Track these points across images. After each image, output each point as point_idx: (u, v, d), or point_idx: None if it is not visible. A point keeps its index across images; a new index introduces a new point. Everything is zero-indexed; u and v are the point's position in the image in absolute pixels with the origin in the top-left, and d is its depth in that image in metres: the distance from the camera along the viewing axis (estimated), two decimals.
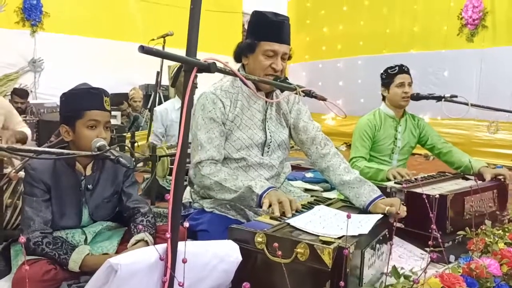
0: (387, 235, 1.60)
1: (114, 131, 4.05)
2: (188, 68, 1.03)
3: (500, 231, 1.66)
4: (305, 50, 8.07)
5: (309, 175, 3.32)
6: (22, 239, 0.79)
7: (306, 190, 2.95)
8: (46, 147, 2.33)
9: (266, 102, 1.91)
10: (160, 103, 4.84)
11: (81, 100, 1.57)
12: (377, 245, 1.49)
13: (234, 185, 1.71)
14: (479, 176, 2.35)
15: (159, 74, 4.77)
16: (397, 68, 2.76)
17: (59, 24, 6.38)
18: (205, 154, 1.78)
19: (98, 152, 1.46)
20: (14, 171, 1.89)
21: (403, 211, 1.64)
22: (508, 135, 5.55)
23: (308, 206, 1.69)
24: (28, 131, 2.61)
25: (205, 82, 2.08)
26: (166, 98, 5.33)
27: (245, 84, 1.33)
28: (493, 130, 5.68)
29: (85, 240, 1.58)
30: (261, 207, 1.65)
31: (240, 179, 1.74)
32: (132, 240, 1.53)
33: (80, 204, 1.62)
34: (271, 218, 1.51)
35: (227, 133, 1.86)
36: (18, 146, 1.85)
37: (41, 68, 6.30)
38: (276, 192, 1.65)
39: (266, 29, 1.80)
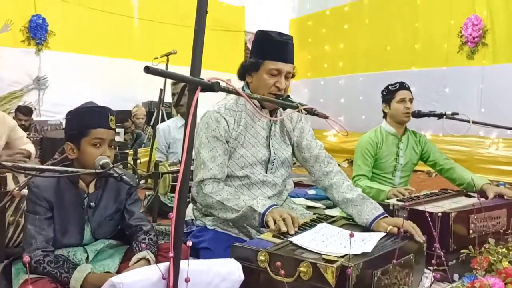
0: (413, 259, 1.52)
1: (117, 148, 4.07)
2: (192, 88, 1.05)
3: (504, 250, 1.65)
4: (307, 67, 8.14)
5: (311, 192, 3.31)
6: (27, 258, 0.79)
7: (309, 207, 2.95)
8: (50, 165, 2.35)
9: (270, 119, 1.92)
10: (162, 120, 4.88)
11: (86, 118, 1.59)
12: (398, 269, 1.43)
13: (236, 204, 1.72)
14: (482, 193, 2.35)
15: (162, 91, 4.82)
16: (398, 84, 2.79)
17: (64, 42, 6.47)
18: (208, 172, 1.79)
19: (102, 170, 1.47)
20: (17, 188, 1.90)
21: (409, 224, 1.62)
22: (510, 152, 5.54)
23: (311, 224, 1.69)
24: (31, 148, 2.62)
25: (210, 100, 2.10)
26: (169, 115, 5.37)
27: (249, 102, 1.34)
28: (495, 147, 5.67)
29: (87, 258, 1.58)
30: (263, 226, 1.65)
31: (242, 198, 1.74)
32: (134, 259, 1.53)
33: (83, 221, 1.62)
34: (274, 236, 1.51)
35: (231, 151, 1.86)
36: (22, 164, 1.87)
37: (45, 86, 6.37)
38: (278, 209, 1.66)
39: (271, 48, 1.83)
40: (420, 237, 1.60)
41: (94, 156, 1.55)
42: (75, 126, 1.60)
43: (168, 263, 1.04)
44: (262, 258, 1.31)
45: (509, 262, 1.53)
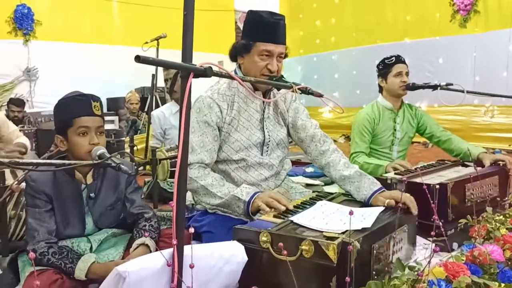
0: (406, 230, 1.58)
1: (113, 135, 4.06)
2: (185, 74, 1.04)
3: (502, 217, 1.68)
4: (299, 44, 8.07)
5: (309, 170, 3.34)
6: (32, 255, 0.80)
7: (307, 185, 2.97)
8: (46, 158, 2.34)
9: (263, 101, 1.91)
10: (156, 105, 4.85)
11: (69, 108, 1.57)
12: (393, 240, 1.48)
13: (219, 191, 1.73)
14: (479, 162, 2.37)
15: (154, 76, 4.77)
16: (394, 58, 2.77)
17: (52, 31, 6.37)
18: (196, 157, 1.79)
19: (99, 161, 1.46)
20: (16, 183, 1.90)
21: (407, 197, 1.64)
22: (505, 119, 5.57)
23: (311, 202, 1.70)
24: (26, 140, 2.60)
25: (203, 84, 2.08)
26: (163, 100, 5.33)
27: (243, 85, 1.34)
28: (490, 114, 5.69)
29: (91, 248, 1.59)
30: (248, 214, 1.66)
31: (226, 186, 1.75)
32: (134, 245, 1.55)
33: (83, 213, 1.63)
34: (275, 216, 1.53)
35: (225, 136, 1.86)
36: (19, 159, 1.86)
37: (36, 77, 6.30)
38: (264, 193, 1.68)
39: (262, 29, 1.80)
40: (415, 209, 1.63)
41: (82, 146, 1.55)
42: (60, 118, 1.60)
43: (171, 249, 1.06)
44: (264, 238, 1.32)
45: (506, 229, 1.56)
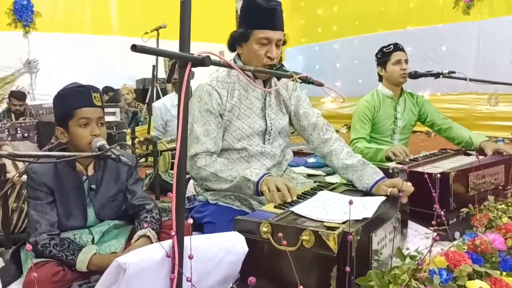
0: (399, 218, 1.60)
1: (114, 127, 4.05)
2: (183, 64, 1.02)
3: (504, 206, 1.67)
4: (301, 33, 8.01)
5: (311, 160, 3.32)
6: (29, 247, 0.80)
7: (309, 175, 2.96)
8: (47, 149, 2.34)
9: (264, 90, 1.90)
10: (157, 96, 4.84)
11: (69, 100, 1.56)
12: (388, 229, 1.49)
13: (229, 175, 1.73)
14: (481, 151, 2.35)
15: (154, 68, 4.76)
16: (392, 46, 2.75)
17: (52, 23, 6.35)
18: (201, 146, 1.78)
19: (99, 152, 1.46)
20: (17, 175, 1.90)
21: (407, 187, 1.64)
22: (508, 107, 5.53)
23: (311, 192, 1.70)
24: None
25: (203, 73, 2.07)
26: (164, 91, 5.33)
27: (243, 75, 1.32)
28: (493, 102, 5.65)
29: (93, 240, 1.60)
30: (258, 194, 1.66)
31: (235, 168, 1.75)
32: (135, 237, 1.55)
33: (85, 204, 1.63)
34: (275, 207, 1.52)
35: (227, 124, 1.85)
36: (19, 151, 1.85)
37: (37, 68, 6.29)
38: (272, 178, 1.66)
39: (259, 16, 1.77)
40: (405, 198, 1.67)
41: (83, 137, 1.54)
42: (60, 110, 1.59)
43: (171, 240, 1.05)
44: (264, 229, 1.32)
45: (508, 217, 1.55)
